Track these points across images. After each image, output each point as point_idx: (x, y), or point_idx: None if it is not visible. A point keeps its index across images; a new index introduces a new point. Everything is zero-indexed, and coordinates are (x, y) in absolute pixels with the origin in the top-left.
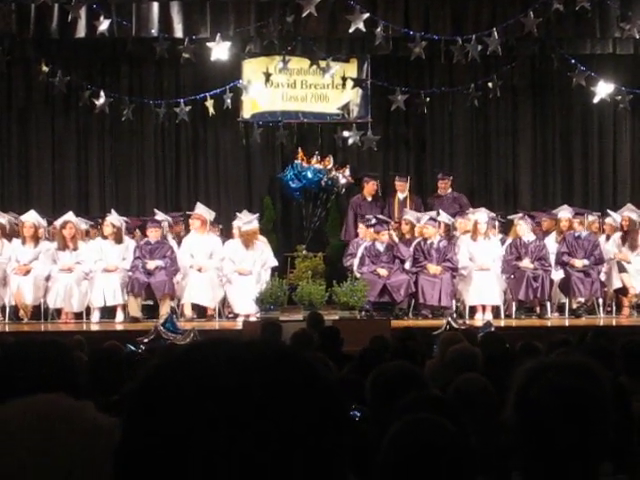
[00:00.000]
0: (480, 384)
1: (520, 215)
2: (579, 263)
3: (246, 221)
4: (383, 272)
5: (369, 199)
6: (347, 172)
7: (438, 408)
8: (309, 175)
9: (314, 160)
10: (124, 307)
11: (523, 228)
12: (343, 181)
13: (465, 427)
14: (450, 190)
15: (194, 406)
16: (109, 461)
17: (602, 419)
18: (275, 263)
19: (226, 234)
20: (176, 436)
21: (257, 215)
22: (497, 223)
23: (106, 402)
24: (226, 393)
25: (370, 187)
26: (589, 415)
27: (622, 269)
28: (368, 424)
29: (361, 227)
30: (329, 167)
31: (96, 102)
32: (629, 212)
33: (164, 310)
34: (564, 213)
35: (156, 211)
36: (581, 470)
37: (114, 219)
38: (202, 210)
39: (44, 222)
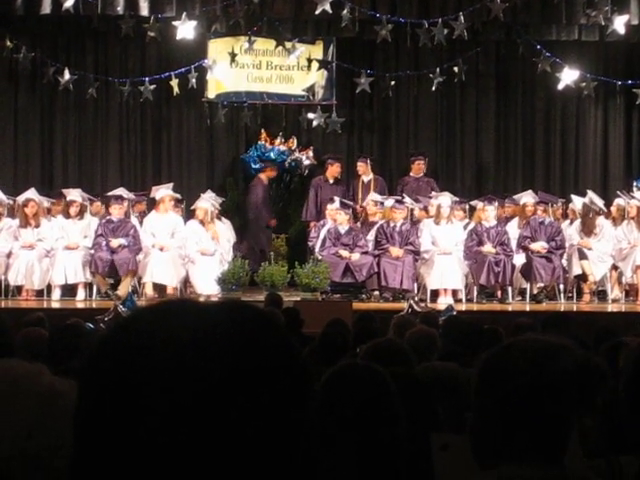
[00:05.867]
0: (450, 370)
1: (486, 200)
2: (538, 246)
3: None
4: (345, 254)
5: (331, 181)
6: (310, 153)
7: (411, 386)
8: (272, 156)
9: (278, 141)
10: (85, 285)
11: (490, 213)
12: (306, 162)
13: (436, 407)
14: (422, 174)
15: (154, 359)
16: (68, 424)
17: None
18: (230, 242)
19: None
20: (135, 390)
21: (210, 194)
22: (467, 207)
23: (64, 368)
24: (186, 347)
25: (334, 169)
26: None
27: (583, 256)
28: None
29: (329, 208)
30: (293, 148)
31: (60, 79)
32: (585, 199)
33: (125, 287)
34: (528, 198)
35: (121, 189)
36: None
37: (77, 196)
38: (169, 191)
39: (5, 199)
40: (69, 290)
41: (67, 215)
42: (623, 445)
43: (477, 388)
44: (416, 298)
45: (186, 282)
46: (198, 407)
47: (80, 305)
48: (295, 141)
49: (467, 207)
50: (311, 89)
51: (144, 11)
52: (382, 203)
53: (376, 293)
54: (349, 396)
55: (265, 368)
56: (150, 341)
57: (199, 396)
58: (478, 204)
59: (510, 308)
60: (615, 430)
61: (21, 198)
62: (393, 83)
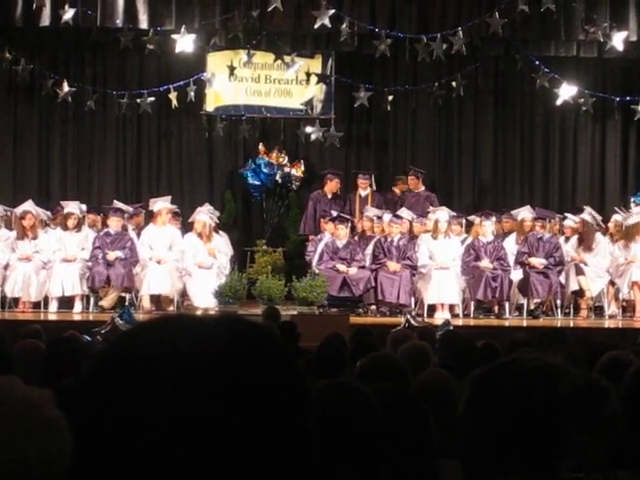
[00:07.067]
0: (442, 379)
1: (483, 215)
2: (536, 261)
3: (198, 212)
4: (342, 268)
5: (329, 196)
6: (301, 167)
7: (405, 402)
8: (265, 170)
9: (274, 155)
10: (82, 297)
11: (487, 228)
12: (296, 175)
13: (428, 421)
14: (423, 188)
15: (153, 372)
16: (43, 435)
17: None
18: (227, 255)
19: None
20: (134, 404)
21: (208, 207)
22: (464, 222)
23: (59, 386)
24: (185, 360)
25: (333, 184)
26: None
27: (580, 272)
28: None
29: (327, 223)
30: (283, 163)
31: (59, 91)
32: (585, 215)
33: (111, 300)
34: (525, 214)
35: (115, 202)
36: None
37: (75, 208)
38: (167, 204)
39: (2, 210)
40: (66, 302)
41: (65, 227)
42: (621, 460)
43: (471, 402)
44: (413, 313)
45: (183, 295)
46: (196, 420)
47: (77, 317)
48: (285, 155)
49: (465, 222)
50: (309, 103)
51: (143, 24)
52: (379, 217)
53: (373, 307)
54: (330, 415)
55: (263, 381)
56: (149, 355)
57: (197, 409)
58: (476, 219)
59: (507, 323)
60: (613, 445)
61: (18, 210)
62: (391, 98)
